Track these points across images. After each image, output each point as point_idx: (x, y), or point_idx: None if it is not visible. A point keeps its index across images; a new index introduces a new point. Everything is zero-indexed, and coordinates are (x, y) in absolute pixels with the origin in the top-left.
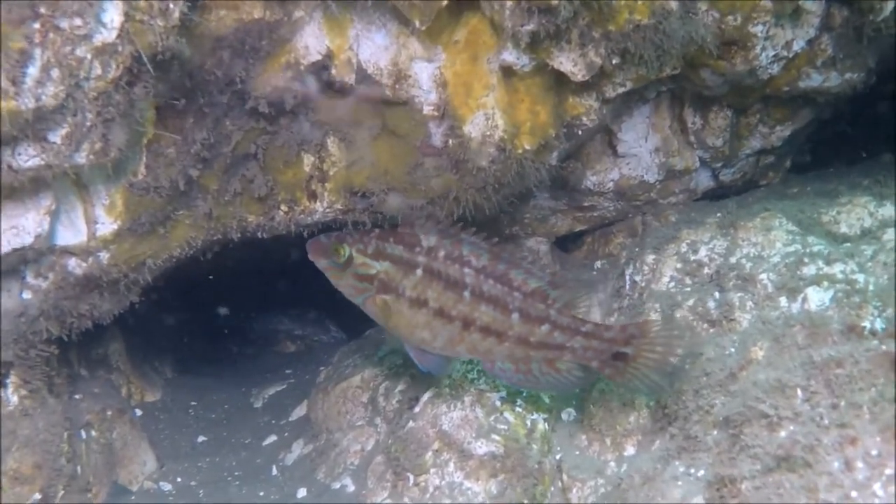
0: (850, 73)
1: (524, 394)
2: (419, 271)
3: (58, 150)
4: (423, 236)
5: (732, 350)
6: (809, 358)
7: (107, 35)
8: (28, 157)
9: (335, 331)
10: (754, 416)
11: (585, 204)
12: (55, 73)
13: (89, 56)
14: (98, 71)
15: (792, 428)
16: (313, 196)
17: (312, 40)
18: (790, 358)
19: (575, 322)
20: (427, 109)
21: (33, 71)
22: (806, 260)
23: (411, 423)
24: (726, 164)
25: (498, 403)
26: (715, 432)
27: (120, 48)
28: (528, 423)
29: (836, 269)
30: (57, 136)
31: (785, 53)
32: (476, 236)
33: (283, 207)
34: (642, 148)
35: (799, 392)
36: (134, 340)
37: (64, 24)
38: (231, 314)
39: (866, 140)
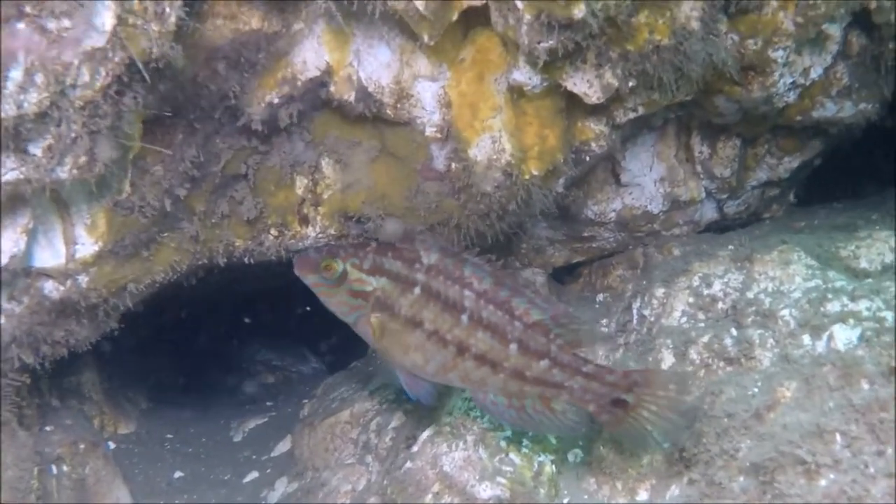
0: (864, 103)
1: (530, 433)
2: (417, 290)
3: (38, 164)
4: (423, 252)
5: (756, 390)
6: (847, 400)
7: (97, 39)
8: (6, 171)
9: (314, 361)
10: (789, 462)
11: (585, 234)
12: (39, 78)
13: (77, 61)
14: (86, 78)
15: (833, 476)
16: (305, 220)
17: (311, 55)
18: (822, 400)
19: (576, 361)
20: (430, 131)
21: (16, 75)
22: (829, 296)
23: (409, 464)
24: (732, 195)
25: (503, 444)
26: (742, 478)
27: (110, 54)
28: (535, 464)
29: (862, 305)
30: (38, 148)
31: (802, 81)
32: (480, 258)
33: (273, 232)
34: (646, 177)
35: (838, 437)
36: (107, 368)
37: (51, 25)
38: (208, 342)
39: (856, 173)
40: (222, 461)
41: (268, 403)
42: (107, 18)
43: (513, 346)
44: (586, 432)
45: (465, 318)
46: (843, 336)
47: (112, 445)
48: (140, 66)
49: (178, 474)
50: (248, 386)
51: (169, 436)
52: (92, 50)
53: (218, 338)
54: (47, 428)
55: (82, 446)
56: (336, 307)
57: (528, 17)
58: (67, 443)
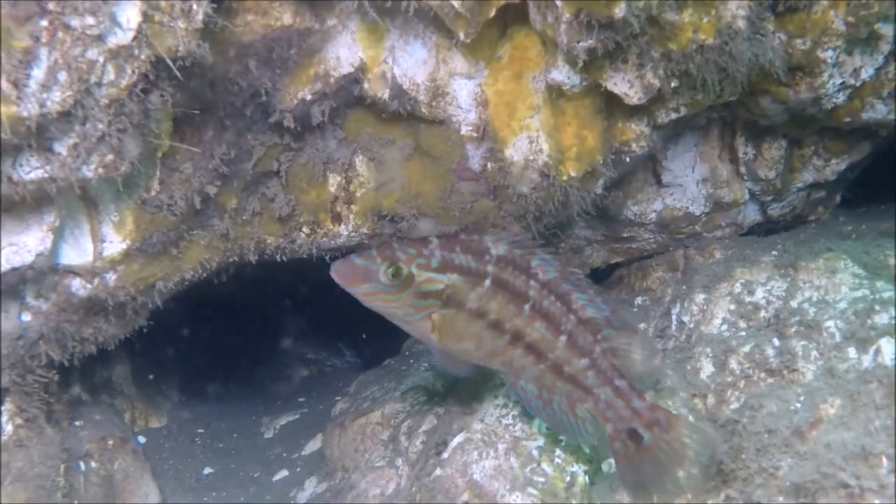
0: None
1: (563, 443)
2: (487, 282)
3: (63, 162)
4: (491, 244)
5: (798, 405)
6: (894, 421)
7: (122, 37)
8: (30, 169)
9: (350, 355)
10: (831, 485)
11: (624, 235)
12: (63, 76)
13: (102, 59)
14: (111, 76)
15: (877, 502)
16: (338, 218)
17: (345, 51)
18: (868, 419)
19: (612, 371)
20: (465, 130)
21: (38, 73)
22: (877, 307)
23: (438, 471)
24: (776, 197)
25: (535, 453)
26: (781, 499)
27: (136, 51)
28: (568, 475)
29: None
30: (63, 147)
31: (852, 82)
32: (548, 252)
33: (305, 230)
34: (688, 178)
35: (885, 461)
36: (140, 362)
37: (74, 22)
38: (241, 335)
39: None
40: (253, 458)
41: (300, 399)
42: (132, 16)
43: (562, 339)
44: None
45: (527, 307)
46: (891, 350)
47: (142, 440)
48: (169, 63)
49: (207, 470)
50: (282, 379)
51: (200, 430)
52: (117, 48)
53: (252, 330)
54: (76, 423)
55: (111, 442)
56: (398, 311)
57: (567, 15)
58: (96, 438)
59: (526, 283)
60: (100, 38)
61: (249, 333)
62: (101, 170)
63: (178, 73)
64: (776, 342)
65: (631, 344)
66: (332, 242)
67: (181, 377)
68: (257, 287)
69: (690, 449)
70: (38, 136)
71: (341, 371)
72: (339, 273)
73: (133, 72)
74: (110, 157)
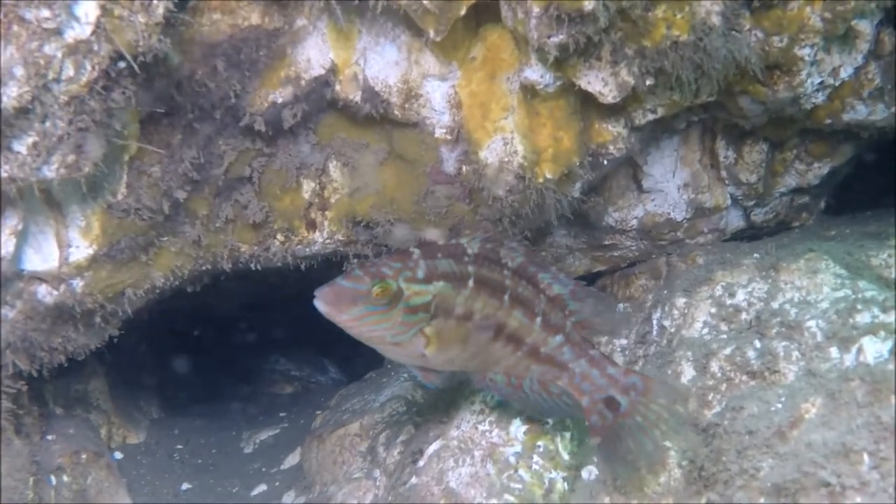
0: None
1: (541, 448)
2: (470, 282)
3: (23, 162)
4: (467, 245)
5: (779, 405)
6: (876, 418)
7: (80, 31)
8: None
9: (334, 372)
10: (812, 483)
11: (606, 242)
12: (19, 71)
13: (60, 54)
14: (70, 72)
15: (859, 500)
16: (312, 225)
17: (315, 52)
18: (850, 417)
19: (585, 343)
20: (439, 132)
21: None
22: (859, 307)
23: (414, 479)
24: (759, 202)
25: (512, 460)
26: (762, 500)
27: (95, 47)
28: (546, 482)
29: (894, 317)
30: (22, 146)
31: (831, 81)
32: (513, 240)
33: (280, 237)
34: (670, 183)
35: (866, 457)
36: (118, 377)
37: (29, 15)
38: (224, 351)
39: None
40: (232, 473)
41: (281, 414)
42: (90, 9)
43: (538, 320)
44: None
45: (506, 298)
46: (874, 349)
47: (119, 456)
48: (128, 58)
49: (185, 486)
50: (266, 396)
51: (179, 446)
52: (75, 42)
53: (236, 346)
54: (49, 437)
55: (84, 456)
56: (387, 332)
57: (536, 9)
58: (68, 452)
59: (501, 275)
60: (57, 32)
61: (234, 350)
62: (62, 170)
63: (135, 66)
64: (757, 344)
65: (598, 313)
66: (307, 250)
67: (162, 394)
68: (242, 303)
69: (669, 406)
70: None
71: (325, 388)
72: (325, 300)
73: (93, 68)
74: (72, 157)
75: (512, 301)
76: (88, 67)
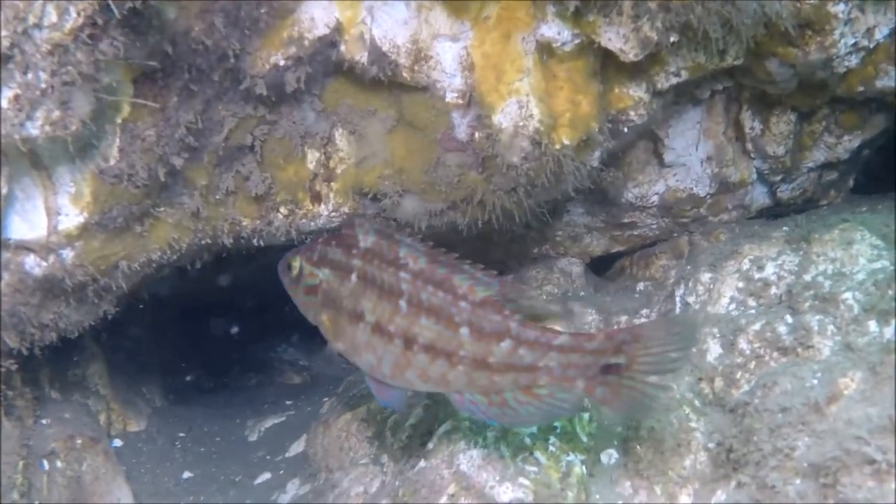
0: None
1: (558, 429)
2: (353, 276)
3: (4, 116)
4: (361, 236)
5: (815, 381)
6: None
7: None
8: None
9: (342, 361)
10: (854, 461)
11: (625, 220)
12: None
13: None
14: (53, 18)
15: None
16: (317, 198)
17: (319, 11)
18: (893, 391)
19: (545, 335)
20: (450, 96)
21: None
22: None
23: (423, 463)
24: (786, 178)
25: (527, 441)
26: (798, 481)
27: None
28: (563, 465)
29: None
30: (3, 99)
31: (865, 42)
32: (413, 238)
33: (283, 210)
34: (692, 156)
35: None
36: (120, 363)
37: None
38: (232, 340)
39: None
40: (235, 461)
41: (287, 402)
42: None
43: (463, 330)
44: (622, 431)
45: (403, 303)
46: None
47: (119, 443)
48: (110, 2)
49: (187, 474)
50: (273, 385)
51: (181, 434)
52: None
53: (244, 335)
54: (43, 421)
55: (79, 441)
56: (300, 308)
57: None
58: (63, 437)
59: (396, 276)
60: None
61: (241, 338)
62: (47, 127)
63: (116, 12)
64: (789, 319)
65: (537, 308)
66: (312, 224)
67: (166, 381)
68: (251, 290)
69: (671, 343)
70: None
71: (333, 378)
72: (279, 269)
73: (78, 14)
74: (57, 113)
75: (415, 308)
76: (73, 13)
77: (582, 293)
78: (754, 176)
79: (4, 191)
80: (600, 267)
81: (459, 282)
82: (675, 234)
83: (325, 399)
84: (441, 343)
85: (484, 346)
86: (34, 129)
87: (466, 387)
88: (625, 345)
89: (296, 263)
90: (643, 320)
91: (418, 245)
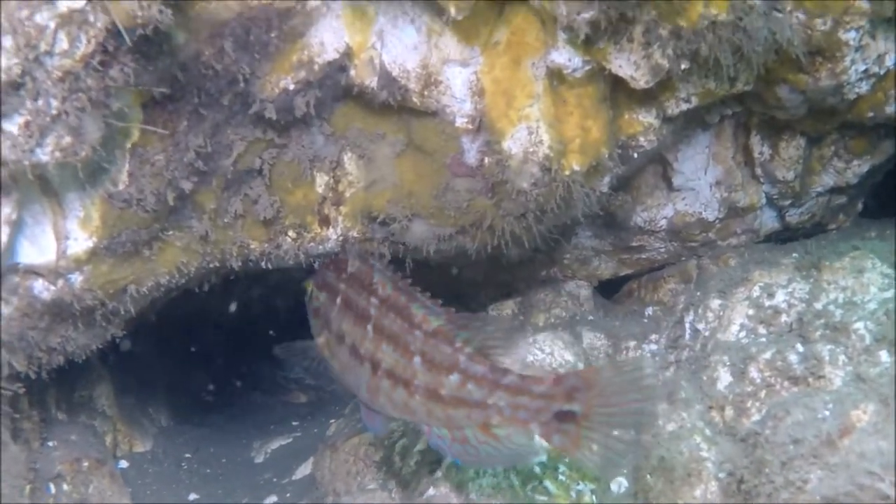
0: None
1: (567, 459)
2: (339, 300)
3: (15, 143)
4: (350, 262)
5: (826, 413)
6: None
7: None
8: None
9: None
10: (868, 497)
11: (633, 244)
12: (8, 41)
13: (53, 25)
14: (64, 45)
15: None
16: (326, 221)
17: (329, 35)
18: None
19: (493, 372)
20: (460, 121)
21: None
22: None
23: (432, 490)
24: (794, 202)
25: (537, 470)
26: None
27: (91, 17)
28: (573, 494)
29: None
30: (13, 125)
31: (876, 69)
32: (382, 262)
33: (291, 233)
34: (701, 181)
35: None
36: (125, 383)
37: None
38: (237, 359)
39: None
40: (241, 483)
41: (293, 423)
42: None
43: (416, 360)
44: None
45: (370, 328)
46: None
47: (125, 464)
48: (121, 29)
49: (192, 496)
50: (280, 405)
51: (187, 455)
52: (69, 12)
53: (250, 354)
54: (49, 443)
55: (86, 464)
56: (312, 329)
57: None
58: (69, 459)
59: (367, 301)
60: (49, 0)
61: (248, 358)
62: (57, 153)
63: (128, 40)
64: (800, 348)
65: (488, 334)
66: (320, 247)
67: (172, 401)
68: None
69: (628, 393)
70: None
71: (341, 397)
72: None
73: (89, 41)
74: (68, 139)
75: (377, 333)
76: (84, 40)
77: (590, 317)
78: (763, 200)
79: (14, 216)
80: (607, 289)
81: (416, 310)
82: (684, 258)
83: (332, 421)
84: (399, 370)
85: (435, 378)
86: (44, 156)
87: (428, 418)
88: (576, 391)
89: (308, 287)
90: (653, 346)
91: (387, 272)
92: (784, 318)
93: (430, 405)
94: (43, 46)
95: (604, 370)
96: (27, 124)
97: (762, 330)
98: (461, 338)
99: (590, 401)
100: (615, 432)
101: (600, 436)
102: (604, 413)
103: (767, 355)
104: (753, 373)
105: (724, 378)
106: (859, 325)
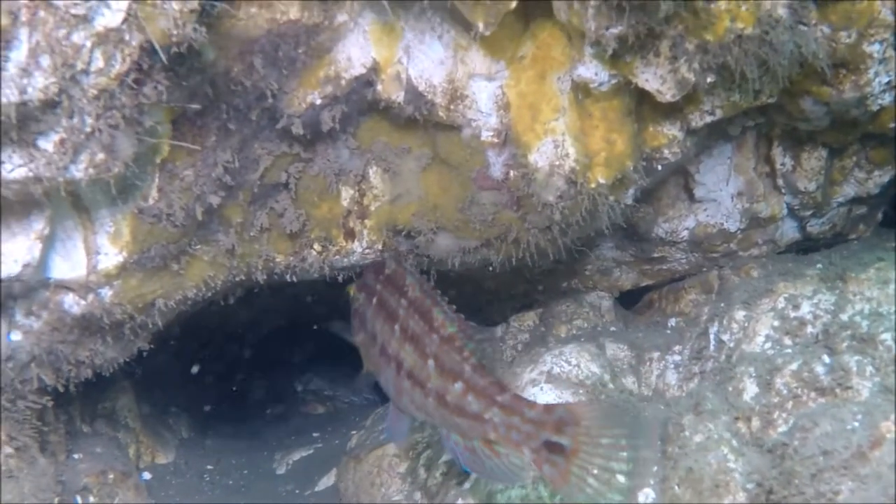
0: None
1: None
2: (374, 300)
3: (50, 160)
4: (387, 264)
5: (855, 424)
6: None
7: (111, 18)
8: (13, 167)
9: (367, 392)
10: None
11: (655, 255)
12: (45, 61)
13: (89, 44)
14: (100, 63)
15: None
16: (351, 234)
17: (356, 51)
18: None
19: (491, 387)
20: (486, 135)
21: (18, 56)
22: None
23: (460, 502)
24: (816, 213)
25: None
26: None
27: (127, 36)
28: None
29: None
30: (49, 143)
31: None
32: (413, 267)
33: (317, 246)
34: (723, 192)
35: None
36: (147, 395)
37: (58, 0)
38: (256, 370)
39: None
40: (263, 495)
41: (314, 434)
42: None
43: (430, 363)
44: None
45: (397, 328)
46: None
47: (148, 476)
48: (157, 47)
49: None
50: (298, 416)
51: (209, 467)
52: (105, 31)
53: (269, 365)
54: (75, 456)
55: (111, 476)
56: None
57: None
58: (95, 472)
59: (398, 302)
60: (86, 20)
61: (266, 369)
62: (91, 170)
63: (163, 58)
64: (826, 359)
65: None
66: (345, 260)
67: (192, 413)
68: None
69: (616, 437)
70: (21, 128)
71: (358, 408)
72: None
73: (124, 59)
74: (101, 155)
75: (402, 333)
76: (119, 59)
77: (612, 328)
78: (785, 211)
79: (46, 231)
80: (625, 300)
81: (437, 314)
82: (704, 269)
83: (353, 432)
84: (416, 371)
85: (443, 383)
86: (78, 172)
87: (441, 422)
88: (565, 425)
89: (351, 290)
90: (676, 357)
91: (417, 275)
92: (810, 329)
93: (441, 410)
94: (79, 65)
95: (587, 406)
96: (62, 142)
97: (788, 341)
98: (469, 348)
99: (577, 437)
100: (605, 476)
101: (586, 475)
102: (591, 453)
103: (794, 366)
104: (779, 384)
105: (751, 389)
106: (886, 336)
